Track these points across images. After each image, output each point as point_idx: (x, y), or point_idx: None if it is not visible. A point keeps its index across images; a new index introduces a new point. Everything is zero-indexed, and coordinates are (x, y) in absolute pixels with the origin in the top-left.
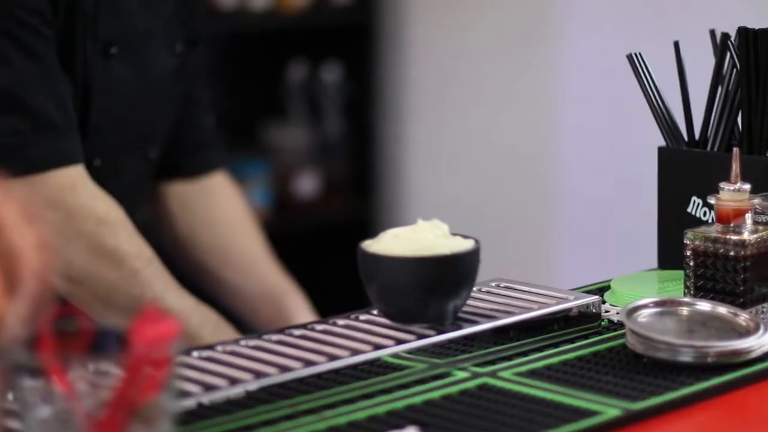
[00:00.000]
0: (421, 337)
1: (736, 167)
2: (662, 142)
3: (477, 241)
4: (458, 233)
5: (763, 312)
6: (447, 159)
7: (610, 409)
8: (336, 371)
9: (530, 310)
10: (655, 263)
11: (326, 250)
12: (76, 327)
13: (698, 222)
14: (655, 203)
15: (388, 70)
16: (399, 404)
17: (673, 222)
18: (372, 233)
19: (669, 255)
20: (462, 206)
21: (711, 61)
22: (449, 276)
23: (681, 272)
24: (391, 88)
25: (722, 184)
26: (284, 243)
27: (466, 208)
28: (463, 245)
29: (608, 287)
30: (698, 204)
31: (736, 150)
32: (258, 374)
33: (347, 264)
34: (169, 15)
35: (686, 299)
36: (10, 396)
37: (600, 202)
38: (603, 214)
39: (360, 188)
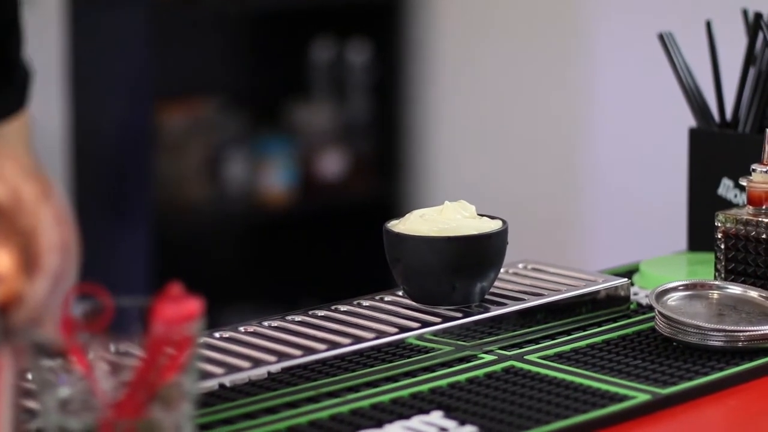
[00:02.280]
0: (447, 319)
1: None
2: (693, 123)
3: (505, 222)
4: (485, 214)
5: None
6: (474, 140)
7: (640, 394)
8: (360, 353)
9: (558, 292)
10: (684, 246)
11: (351, 231)
12: (96, 306)
13: (729, 204)
14: (685, 185)
15: (415, 50)
16: (423, 387)
17: (703, 204)
18: (397, 214)
19: (699, 237)
20: (489, 187)
21: (743, 41)
22: (476, 257)
23: (711, 255)
24: (417, 67)
25: (754, 166)
26: (309, 223)
27: (493, 189)
28: (490, 226)
29: (637, 270)
30: (729, 186)
31: None
32: (281, 356)
33: (372, 245)
34: None
35: (716, 282)
36: (28, 376)
37: (629, 183)
38: (632, 196)
39: (385, 169)
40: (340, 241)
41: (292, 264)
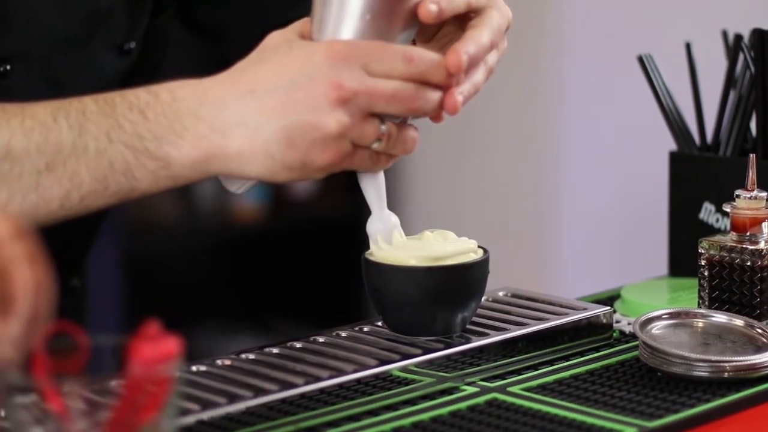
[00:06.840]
0: (427, 351)
1: (752, 174)
2: (673, 146)
3: (486, 251)
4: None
5: None
6: (447, 156)
7: (626, 428)
8: (339, 385)
9: (541, 321)
10: (665, 271)
11: (323, 248)
12: (72, 345)
13: (710, 229)
14: (665, 209)
15: None
16: (406, 421)
17: (684, 229)
18: None
19: (680, 262)
20: (462, 206)
21: (723, 63)
22: (457, 287)
23: (693, 280)
24: None
25: (738, 192)
26: (280, 240)
27: (467, 208)
28: (471, 255)
29: (617, 296)
30: (711, 210)
31: (752, 156)
32: (258, 390)
33: (343, 262)
34: (105, 11)
35: (701, 311)
36: (2, 416)
37: (609, 208)
38: (612, 221)
39: (357, 186)
40: (312, 259)
41: (263, 282)
